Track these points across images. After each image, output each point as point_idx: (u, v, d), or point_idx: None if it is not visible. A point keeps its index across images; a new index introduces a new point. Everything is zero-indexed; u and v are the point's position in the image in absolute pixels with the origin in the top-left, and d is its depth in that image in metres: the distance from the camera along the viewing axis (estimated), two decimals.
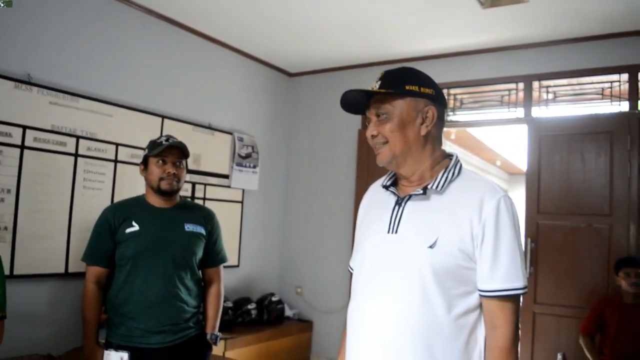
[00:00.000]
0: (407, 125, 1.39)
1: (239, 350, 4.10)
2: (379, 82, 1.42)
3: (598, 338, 3.45)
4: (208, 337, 2.43)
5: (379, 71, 1.46)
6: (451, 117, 4.57)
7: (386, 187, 1.50)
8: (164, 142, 2.33)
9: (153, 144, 2.36)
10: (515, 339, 1.30)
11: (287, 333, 4.74)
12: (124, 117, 3.67)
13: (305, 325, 5.00)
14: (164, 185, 2.32)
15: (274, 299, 4.78)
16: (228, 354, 3.95)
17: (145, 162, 2.38)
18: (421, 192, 1.38)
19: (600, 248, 3.77)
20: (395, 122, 1.39)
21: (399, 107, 1.39)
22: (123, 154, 3.65)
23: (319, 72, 5.24)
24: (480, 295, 1.32)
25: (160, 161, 2.33)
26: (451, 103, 4.56)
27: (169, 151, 2.33)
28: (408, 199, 1.41)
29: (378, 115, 1.41)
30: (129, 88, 3.75)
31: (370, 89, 1.44)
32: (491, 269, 1.29)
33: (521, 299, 1.36)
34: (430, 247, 1.30)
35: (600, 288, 3.71)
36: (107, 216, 2.34)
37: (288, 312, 5.00)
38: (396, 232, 1.38)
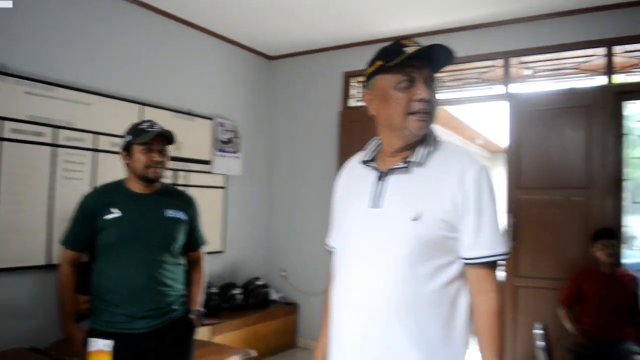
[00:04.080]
0: None
1: (226, 335, 4.12)
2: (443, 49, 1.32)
3: (575, 308, 3.53)
4: (191, 313, 2.44)
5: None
6: None
7: (366, 163, 1.48)
8: (148, 129, 2.30)
9: (137, 131, 2.33)
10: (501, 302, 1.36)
11: (273, 316, 4.77)
12: (103, 105, 3.63)
13: (290, 308, 5.04)
14: (151, 173, 2.30)
15: (259, 283, 4.81)
16: (216, 339, 3.97)
17: (127, 149, 2.35)
18: (403, 165, 1.38)
19: (578, 220, 3.85)
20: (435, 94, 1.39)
21: None
22: (102, 142, 3.62)
23: (298, 54, 5.21)
24: (466, 264, 1.35)
25: (146, 149, 2.30)
26: None
27: (155, 138, 2.31)
28: (389, 173, 1.41)
29: (426, 82, 1.35)
30: (107, 76, 3.70)
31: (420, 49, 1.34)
32: (475, 237, 1.32)
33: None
34: (415, 219, 1.31)
35: (578, 259, 3.79)
36: (87, 202, 2.31)
37: (274, 296, 5.03)
38: (379, 206, 1.38)
